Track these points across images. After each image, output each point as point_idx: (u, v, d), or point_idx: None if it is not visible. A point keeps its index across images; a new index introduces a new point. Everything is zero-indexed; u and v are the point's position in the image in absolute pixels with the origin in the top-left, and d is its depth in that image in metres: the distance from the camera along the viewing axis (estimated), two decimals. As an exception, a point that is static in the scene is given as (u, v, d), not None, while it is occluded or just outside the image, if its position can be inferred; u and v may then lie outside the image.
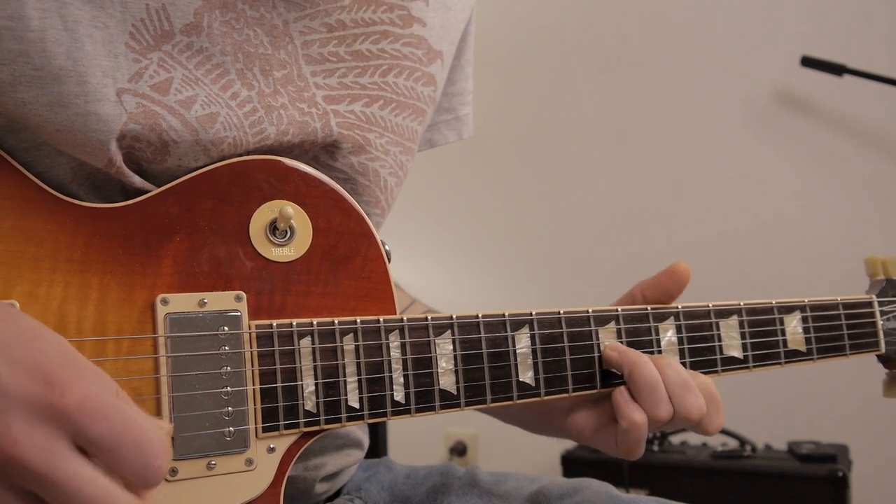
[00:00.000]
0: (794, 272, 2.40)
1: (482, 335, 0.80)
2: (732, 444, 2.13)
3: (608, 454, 0.87)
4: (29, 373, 0.54)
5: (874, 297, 1.00)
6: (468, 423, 2.71)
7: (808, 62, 2.31)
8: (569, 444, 2.21)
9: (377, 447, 1.44)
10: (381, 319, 0.77)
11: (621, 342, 0.85)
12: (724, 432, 2.12)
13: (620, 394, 0.82)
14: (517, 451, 2.40)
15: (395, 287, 0.81)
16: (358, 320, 0.76)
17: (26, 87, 0.67)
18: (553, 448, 2.22)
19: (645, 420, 0.81)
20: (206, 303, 0.71)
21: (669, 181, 2.58)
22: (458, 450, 2.76)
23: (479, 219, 2.80)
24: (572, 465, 2.15)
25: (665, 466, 2.05)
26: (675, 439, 2.20)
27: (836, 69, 2.27)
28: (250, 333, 0.72)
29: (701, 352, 0.89)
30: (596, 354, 0.85)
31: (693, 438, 2.20)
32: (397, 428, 2.34)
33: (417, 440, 2.66)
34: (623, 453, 0.84)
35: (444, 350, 0.78)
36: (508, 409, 0.94)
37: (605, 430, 0.86)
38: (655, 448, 2.10)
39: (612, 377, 0.85)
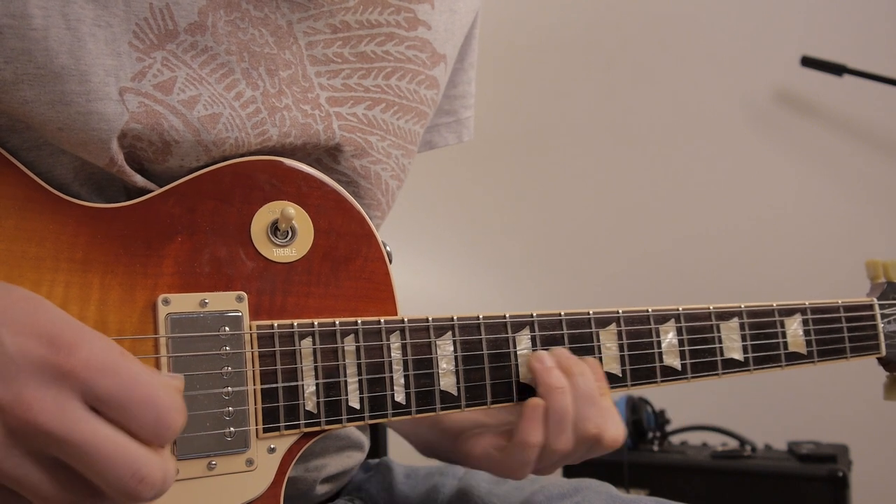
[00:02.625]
0: (794, 272, 2.40)
1: (483, 336, 0.80)
2: (732, 444, 2.13)
3: (496, 475, 0.85)
4: (33, 337, 0.54)
5: (875, 299, 1.00)
6: (468, 422, 2.71)
7: (808, 62, 2.31)
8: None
9: (377, 447, 1.44)
10: (382, 320, 0.77)
11: (622, 344, 0.85)
12: (725, 432, 2.13)
13: (533, 409, 0.80)
14: (517, 451, 2.40)
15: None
16: (359, 321, 0.76)
17: (29, 86, 0.67)
18: (553, 448, 2.21)
19: (539, 443, 0.79)
20: (207, 303, 0.71)
21: (669, 181, 2.57)
22: (458, 449, 2.76)
23: (479, 220, 2.80)
24: (572, 464, 2.15)
25: (665, 466, 2.05)
26: (676, 439, 2.20)
27: (836, 69, 2.27)
28: (251, 334, 0.72)
29: (701, 354, 0.89)
30: (597, 356, 0.85)
31: (693, 438, 2.20)
32: (397, 427, 2.33)
33: (417, 440, 2.66)
34: (505, 470, 0.83)
35: (445, 351, 0.79)
36: (418, 430, 0.95)
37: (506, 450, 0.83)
38: (655, 448, 2.09)
39: (613, 380, 0.85)
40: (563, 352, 0.82)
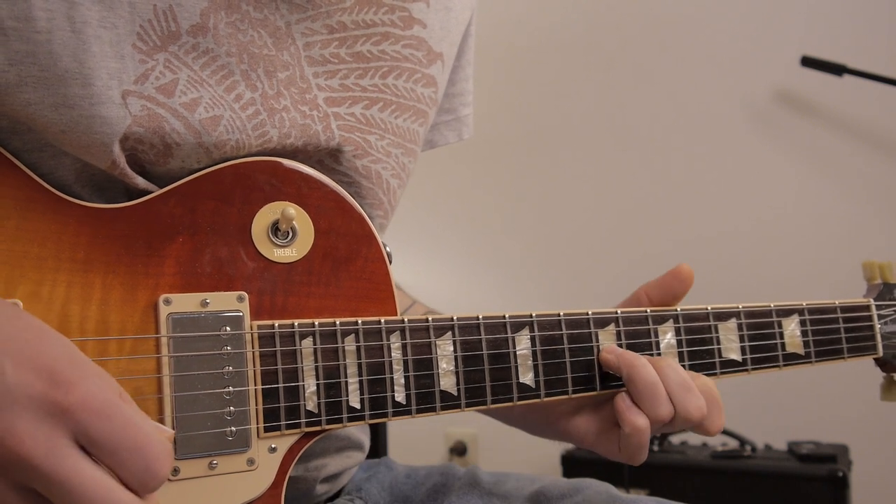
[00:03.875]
0: (794, 272, 2.40)
1: (483, 336, 0.80)
2: (732, 444, 2.14)
3: (610, 459, 0.87)
4: (34, 371, 0.54)
5: (872, 300, 1.00)
6: (468, 423, 2.71)
7: (808, 62, 2.31)
8: (569, 445, 2.21)
9: (377, 447, 1.44)
10: (383, 320, 0.77)
11: (620, 344, 0.86)
12: (724, 432, 2.12)
13: (622, 399, 0.82)
14: (517, 451, 2.40)
15: (395, 288, 0.82)
16: (359, 321, 0.76)
17: (32, 88, 0.67)
18: (553, 448, 2.22)
19: (647, 424, 0.81)
20: (208, 303, 0.71)
21: (669, 181, 2.58)
22: (458, 450, 2.77)
23: (479, 220, 2.80)
24: (572, 465, 2.15)
25: (665, 466, 2.05)
26: (675, 439, 2.20)
27: (836, 69, 2.27)
28: (252, 334, 0.72)
29: (700, 354, 0.89)
30: (596, 357, 0.85)
31: (693, 438, 2.20)
32: (397, 428, 2.34)
33: (417, 440, 2.66)
34: (626, 458, 0.84)
35: (445, 351, 0.79)
36: (510, 411, 0.94)
37: (608, 434, 0.86)
38: (655, 448, 2.10)
39: (612, 379, 0.85)
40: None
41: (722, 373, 0.90)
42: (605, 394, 0.86)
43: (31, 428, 0.53)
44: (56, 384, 0.54)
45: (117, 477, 0.55)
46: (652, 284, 0.91)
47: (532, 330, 0.83)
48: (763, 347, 0.92)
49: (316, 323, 0.74)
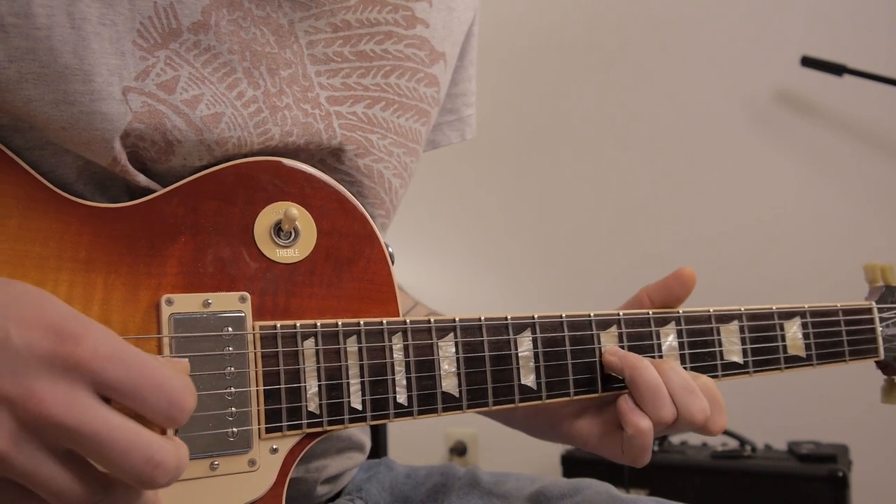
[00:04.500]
0: (793, 272, 2.40)
1: (485, 338, 0.80)
2: (732, 444, 2.14)
3: (614, 461, 0.87)
4: (39, 330, 0.53)
5: (874, 303, 1.00)
6: (468, 423, 2.71)
7: (808, 62, 2.31)
8: (569, 445, 2.21)
9: (377, 447, 1.44)
10: (385, 321, 0.77)
11: (622, 346, 0.86)
12: (725, 432, 2.12)
13: (625, 401, 0.82)
14: (517, 451, 2.40)
15: (398, 289, 0.82)
16: (361, 322, 0.76)
17: (33, 85, 0.67)
18: (553, 448, 2.21)
19: (650, 426, 0.81)
20: (210, 303, 0.71)
21: (670, 182, 2.58)
22: (458, 450, 2.77)
23: (481, 221, 2.80)
24: (572, 465, 2.15)
25: (665, 466, 2.05)
26: (675, 439, 2.20)
27: (836, 69, 2.27)
28: (254, 334, 0.72)
29: (702, 357, 0.89)
30: (597, 358, 0.85)
31: (693, 438, 2.20)
32: (397, 428, 2.33)
33: (417, 440, 2.66)
34: (629, 460, 0.84)
35: (447, 353, 0.79)
36: (512, 413, 0.94)
37: (611, 436, 0.86)
38: (655, 448, 2.09)
39: (614, 381, 0.85)
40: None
41: (723, 375, 0.90)
42: (608, 396, 0.86)
43: (49, 386, 0.52)
44: (64, 339, 0.53)
45: (142, 418, 0.54)
46: (653, 287, 0.91)
47: (534, 331, 0.82)
48: (764, 350, 0.92)
49: (318, 324, 0.74)
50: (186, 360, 0.61)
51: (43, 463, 0.53)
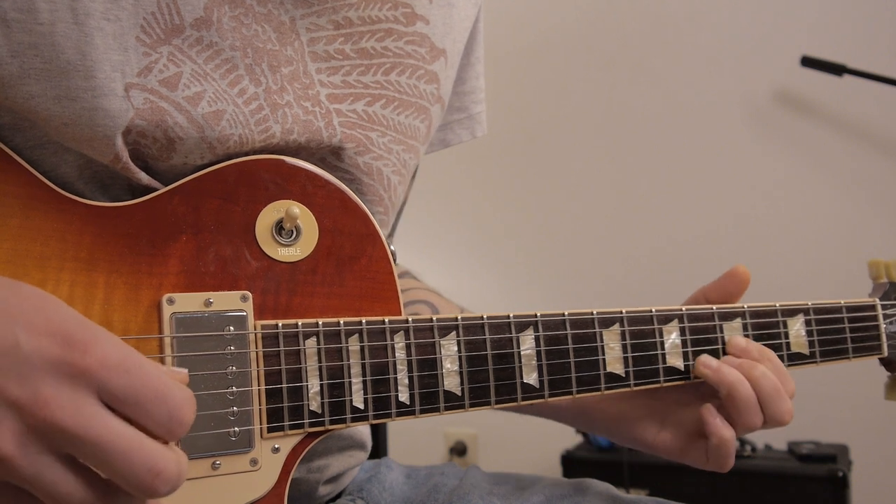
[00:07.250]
0: (792, 272, 2.40)
1: (487, 336, 0.80)
2: (732, 443, 2.13)
3: (698, 468, 0.90)
4: (48, 336, 0.54)
5: (877, 300, 1.00)
6: (468, 423, 2.72)
7: (808, 62, 2.31)
8: (569, 444, 2.22)
9: (377, 447, 1.44)
10: (387, 320, 0.77)
11: (625, 344, 0.85)
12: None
13: (710, 413, 0.86)
14: (517, 451, 2.40)
15: (436, 294, 0.81)
16: (363, 321, 0.76)
17: (35, 80, 0.67)
18: (553, 448, 2.22)
19: (734, 434, 0.86)
20: (211, 302, 0.71)
21: (671, 181, 2.58)
22: (458, 450, 2.76)
23: (483, 219, 2.80)
24: (572, 465, 2.15)
25: (665, 466, 2.05)
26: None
27: (836, 69, 2.27)
28: (256, 334, 0.72)
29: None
30: (601, 357, 0.85)
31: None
32: (398, 428, 2.34)
33: (417, 440, 2.66)
34: (714, 467, 0.88)
35: (449, 351, 0.78)
36: (558, 407, 0.97)
37: (694, 445, 0.90)
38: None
39: (616, 380, 0.85)
40: (744, 346, 0.89)
41: (725, 373, 0.90)
42: (666, 384, 0.88)
43: (55, 392, 0.53)
44: (72, 346, 0.54)
45: (144, 428, 0.55)
46: (710, 287, 0.94)
47: (537, 330, 0.82)
48: (768, 347, 0.91)
49: (320, 323, 0.74)
50: (185, 370, 0.61)
51: (47, 467, 0.53)
